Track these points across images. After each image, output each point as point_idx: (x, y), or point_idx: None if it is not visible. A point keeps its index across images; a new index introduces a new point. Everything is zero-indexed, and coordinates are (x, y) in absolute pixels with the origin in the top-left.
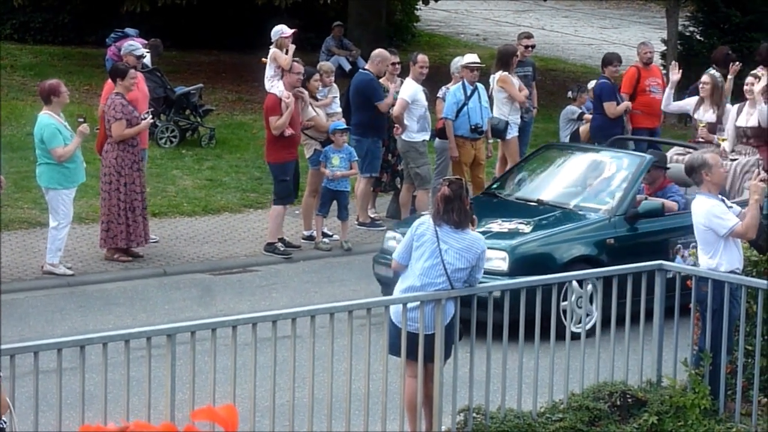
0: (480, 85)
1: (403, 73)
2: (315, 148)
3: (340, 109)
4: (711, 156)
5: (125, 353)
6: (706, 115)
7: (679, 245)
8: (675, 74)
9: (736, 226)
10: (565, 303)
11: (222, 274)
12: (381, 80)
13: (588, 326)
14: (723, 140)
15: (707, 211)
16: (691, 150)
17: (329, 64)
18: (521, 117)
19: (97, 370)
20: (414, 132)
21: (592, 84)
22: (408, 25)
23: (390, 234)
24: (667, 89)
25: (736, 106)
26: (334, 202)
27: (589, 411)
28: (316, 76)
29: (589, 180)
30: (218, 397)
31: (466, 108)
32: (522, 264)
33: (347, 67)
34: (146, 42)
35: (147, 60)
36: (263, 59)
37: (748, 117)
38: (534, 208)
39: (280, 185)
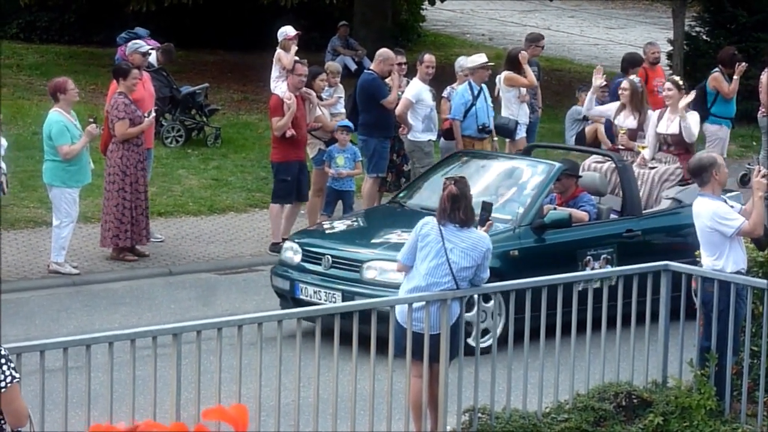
0: (484, 86)
1: (409, 74)
2: (319, 148)
3: (344, 110)
4: (718, 155)
5: (131, 352)
6: (626, 121)
7: (588, 257)
8: (598, 79)
9: (743, 225)
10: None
11: (227, 274)
12: (386, 80)
13: (486, 344)
14: (643, 148)
15: (713, 213)
16: (608, 158)
17: (336, 65)
18: (528, 117)
19: (102, 369)
20: (419, 132)
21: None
22: (413, 25)
23: (288, 245)
24: (589, 93)
25: (657, 112)
26: (340, 201)
27: (595, 411)
28: (322, 76)
29: (496, 189)
30: (224, 397)
31: (474, 108)
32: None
33: (353, 67)
34: (159, 45)
35: (153, 59)
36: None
37: (669, 123)
38: None
39: (279, 184)
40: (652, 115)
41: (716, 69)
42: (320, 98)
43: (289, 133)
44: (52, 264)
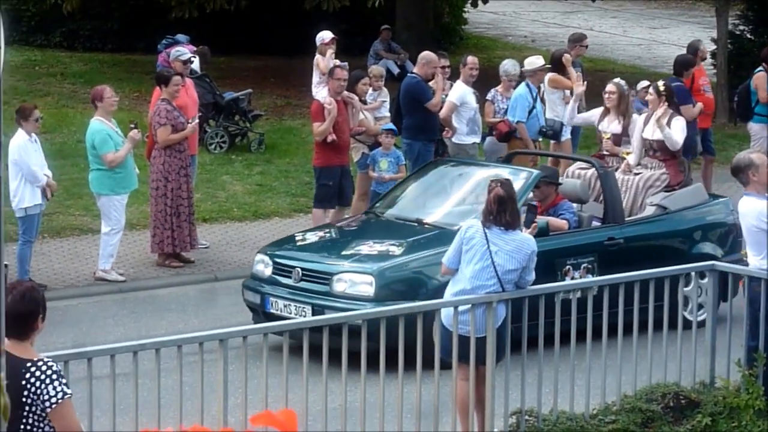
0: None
1: (452, 76)
2: (363, 152)
3: (388, 114)
4: (757, 156)
5: (178, 358)
6: (611, 126)
7: (568, 266)
8: (579, 86)
9: None
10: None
11: None
12: (430, 83)
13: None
14: (627, 153)
15: (759, 212)
16: (591, 164)
17: (380, 69)
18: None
19: (150, 376)
20: (464, 135)
21: (642, 84)
22: (456, 28)
23: (259, 257)
24: (572, 102)
25: (642, 116)
26: None
27: (642, 413)
28: (365, 80)
29: (473, 198)
30: (271, 402)
31: (534, 110)
32: (390, 289)
33: (395, 70)
34: (195, 48)
35: (196, 66)
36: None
37: (655, 129)
38: (412, 228)
39: (321, 189)
40: (638, 119)
41: (760, 68)
42: (364, 102)
43: (330, 138)
44: (99, 271)
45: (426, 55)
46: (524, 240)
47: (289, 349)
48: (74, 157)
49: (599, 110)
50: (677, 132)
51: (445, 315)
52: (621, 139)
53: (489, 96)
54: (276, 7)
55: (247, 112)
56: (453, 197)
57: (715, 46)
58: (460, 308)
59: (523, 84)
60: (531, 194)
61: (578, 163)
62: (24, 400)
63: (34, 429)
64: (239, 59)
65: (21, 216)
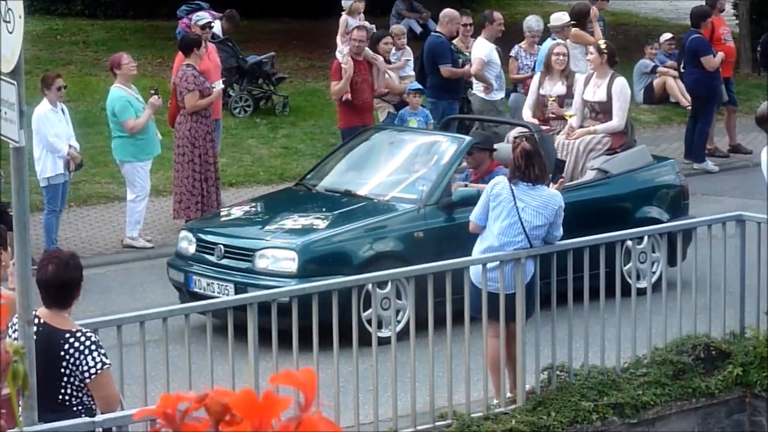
0: None
1: (475, 34)
2: (389, 111)
3: (413, 72)
4: None
5: (208, 324)
6: (555, 88)
7: None
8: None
9: None
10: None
11: None
12: (455, 41)
13: (398, 329)
14: (570, 116)
15: None
16: (528, 129)
17: (401, 27)
18: None
19: (180, 341)
20: (493, 91)
21: (665, 37)
22: None
23: (183, 234)
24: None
25: (584, 76)
26: None
27: (673, 365)
28: (386, 39)
29: (403, 167)
30: (302, 365)
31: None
32: (313, 264)
33: (418, 29)
34: (220, 15)
35: (218, 30)
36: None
37: (596, 90)
38: (339, 200)
39: None
40: (579, 79)
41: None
42: (388, 62)
43: (345, 97)
44: (126, 239)
45: (448, 12)
46: (551, 195)
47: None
48: (98, 125)
49: (537, 77)
50: (618, 98)
51: (474, 272)
52: (565, 100)
53: (512, 53)
54: None
55: (270, 75)
56: (384, 167)
57: None
58: (489, 265)
59: (549, 40)
60: (465, 162)
61: (519, 128)
62: (63, 370)
63: (73, 399)
64: (261, 22)
65: (44, 186)
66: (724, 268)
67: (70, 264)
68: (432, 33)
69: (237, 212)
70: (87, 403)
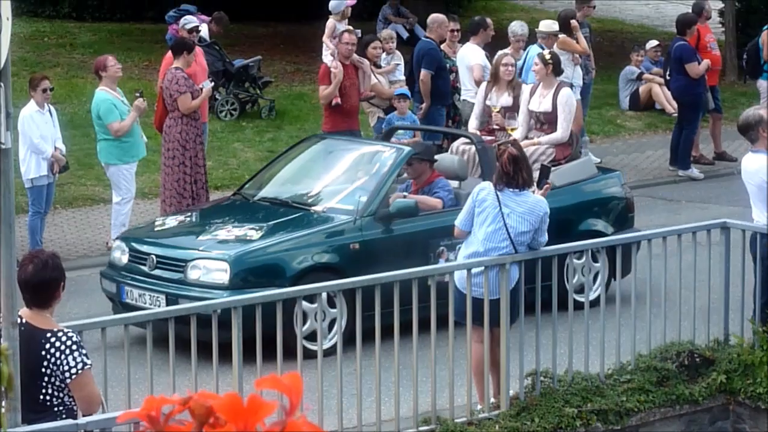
0: None
1: (462, 39)
2: (378, 116)
3: (403, 77)
4: (766, 111)
5: (192, 327)
6: (501, 99)
7: (442, 248)
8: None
9: None
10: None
11: None
12: (442, 46)
13: (328, 345)
14: (512, 130)
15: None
16: (470, 140)
17: (390, 32)
18: (582, 79)
19: (164, 344)
20: None
21: (651, 44)
22: None
23: (116, 244)
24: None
25: (529, 87)
26: None
27: (657, 371)
28: (375, 44)
29: (342, 177)
30: (285, 369)
31: None
32: (246, 276)
33: (405, 35)
34: (208, 18)
35: (204, 33)
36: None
37: (541, 100)
38: (276, 210)
39: None
40: (525, 90)
41: None
42: (377, 66)
43: (335, 101)
44: (111, 241)
45: (436, 17)
46: (536, 201)
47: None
48: (85, 127)
49: (483, 87)
50: (563, 109)
51: (459, 277)
52: (509, 113)
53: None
54: None
55: (257, 78)
56: (323, 177)
57: (722, 4)
58: (474, 270)
59: (535, 46)
60: (405, 173)
61: (462, 138)
62: (43, 370)
63: (54, 399)
64: (248, 26)
65: (29, 187)
66: (708, 275)
67: (49, 263)
68: (422, 38)
69: (172, 222)
70: (68, 403)
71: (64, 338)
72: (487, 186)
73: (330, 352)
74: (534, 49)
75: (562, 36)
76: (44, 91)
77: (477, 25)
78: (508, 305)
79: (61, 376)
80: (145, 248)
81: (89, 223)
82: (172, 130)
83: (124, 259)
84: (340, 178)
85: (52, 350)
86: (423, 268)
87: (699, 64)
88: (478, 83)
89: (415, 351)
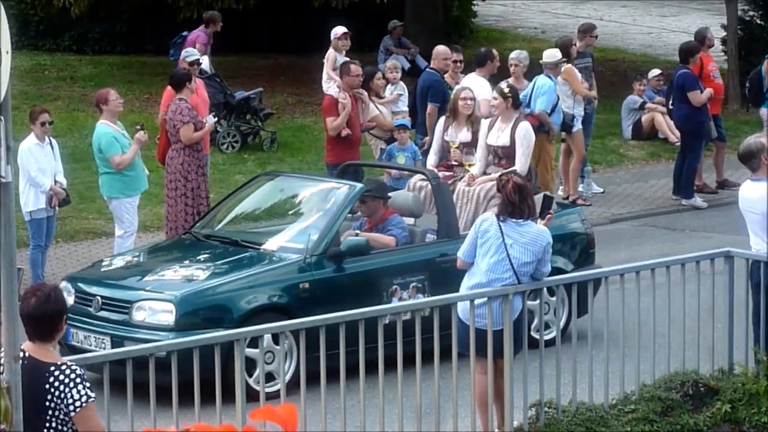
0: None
1: (465, 70)
2: (381, 147)
3: (406, 108)
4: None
5: (195, 361)
6: (459, 134)
7: (395, 286)
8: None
9: None
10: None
11: None
12: (445, 76)
13: (274, 388)
14: (470, 165)
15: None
16: (425, 176)
17: (394, 62)
18: (584, 109)
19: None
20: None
21: (654, 72)
22: (465, 21)
23: (63, 285)
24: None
25: (487, 121)
26: None
27: (662, 401)
28: (379, 75)
29: (294, 215)
30: (288, 400)
31: (558, 104)
32: (192, 317)
33: (406, 65)
34: (205, 31)
35: (206, 66)
36: (324, 60)
37: (499, 134)
38: (225, 249)
39: None
40: (483, 124)
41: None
42: (380, 97)
43: (345, 132)
44: None
45: (438, 49)
46: (539, 232)
47: (302, 350)
48: (86, 160)
49: (441, 122)
50: (521, 143)
51: (462, 308)
52: (472, 147)
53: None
54: (285, 5)
55: (258, 110)
56: (275, 215)
57: (725, 33)
58: (477, 301)
59: (543, 76)
60: (358, 211)
61: (419, 174)
62: (47, 404)
63: None
64: (249, 58)
65: (28, 220)
66: (712, 304)
67: (51, 296)
68: (426, 69)
69: (119, 262)
70: None
71: (68, 371)
72: (490, 217)
73: (279, 393)
74: (541, 79)
75: (567, 67)
76: (43, 124)
77: (484, 56)
78: (512, 336)
79: (65, 410)
80: (90, 289)
81: (91, 256)
82: (174, 161)
83: (70, 300)
84: (291, 216)
85: (56, 383)
86: (379, 307)
87: (702, 92)
88: (486, 118)
89: (419, 382)
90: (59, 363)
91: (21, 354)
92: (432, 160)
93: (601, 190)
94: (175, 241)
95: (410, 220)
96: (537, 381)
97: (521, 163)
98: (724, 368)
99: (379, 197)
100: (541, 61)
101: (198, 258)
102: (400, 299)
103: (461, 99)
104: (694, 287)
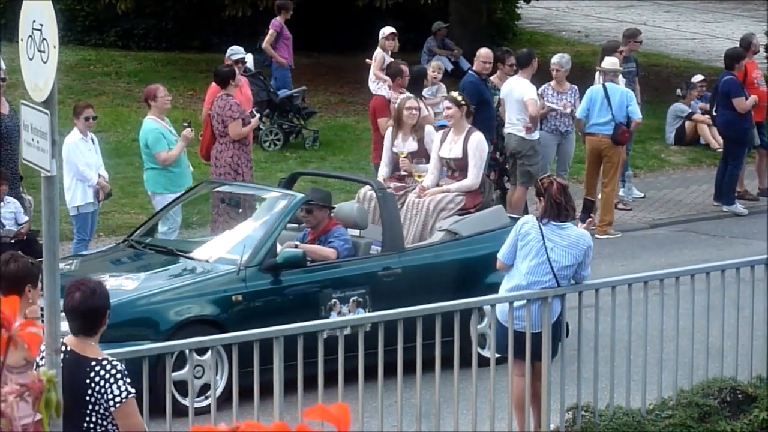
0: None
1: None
2: None
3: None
4: None
5: (234, 358)
6: (406, 144)
7: (334, 300)
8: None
9: None
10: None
11: None
12: (492, 78)
13: (206, 402)
14: (420, 176)
15: None
16: (371, 186)
17: (438, 63)
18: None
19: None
20: (534, 130)
21: (697, 78)
22: (509, 24)
23: None
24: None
25: (440, 133)
26: None
27: (699, 407)
28: (430, 70)
29: (233, 225)
30: (325, 399)
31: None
32: (117, 328)
33: (449, 67)
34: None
35: (250, 64)
36: (368, 60)
37: (452, 146)
38: (159, 259)
39: None
40: (435, 137)
41: None
42: (422, 98)
43: None
44: None
45: (480, 52)
46: (580, 235)
47: (343, 349)
48: (129, 155)
49: (388, 132)
50: (473, 154)
51: (500, 311)
52: (420, 157)
53: (539, 90)
54: (329, 5)
55: (301, 109)
56: (215, 225)
57: None
58: (516, 304)
59: (614, 85)
60: (303, 221)
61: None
62: (88, 398)
63: (98, 427)
64: (293, 57)
65: (74, 215)
66: (752, 311)
67: (96, 292)
68: (468, 72)
69: None
70: (112, 431)
71: (108, 366)
72: (531, 219)
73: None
74: (614, 88)
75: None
76: (87, 119)
77: (527, 57)
78: (550, 339)
79: (105, 405)
80: None
81: None
82: (223, 155)
83: None
84: (229, 226)
85: (97, 378)
86: (315, 322)
87: (746, 99)
88: (533, 120)
89: (456, 384)
90: (100, 358)
91: (63, 348)
92: (383, 171)
93: (642, 194)
94: (111, 249)
95: (356, 232)
96: (574, 384)
97: (473, 175)
98: (763, 376)
99: (325, 207)
100: (597, 68)
101: (129, 267)
102: (339, 313)
103: (406, 109)
104: (734, 294)
